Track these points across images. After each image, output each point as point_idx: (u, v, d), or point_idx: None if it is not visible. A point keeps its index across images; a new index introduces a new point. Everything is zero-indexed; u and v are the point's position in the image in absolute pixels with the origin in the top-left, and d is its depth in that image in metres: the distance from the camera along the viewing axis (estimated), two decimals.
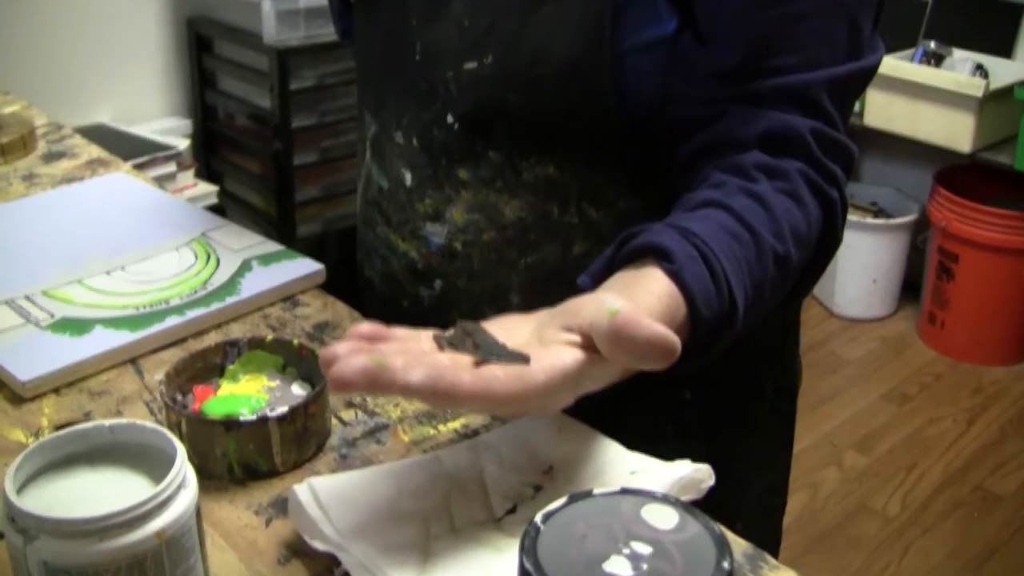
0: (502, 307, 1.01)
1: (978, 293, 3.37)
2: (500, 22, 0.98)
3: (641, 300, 0.74)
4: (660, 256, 0.78)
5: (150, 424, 0.72)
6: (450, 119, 1.02)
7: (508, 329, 0.74)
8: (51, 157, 1.54)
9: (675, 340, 0.67)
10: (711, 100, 0.92)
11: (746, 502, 1.17)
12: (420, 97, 1.04)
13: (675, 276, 0.77)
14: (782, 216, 0.85)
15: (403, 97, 1.06)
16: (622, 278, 0.78)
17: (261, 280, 1.14)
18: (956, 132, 3.18)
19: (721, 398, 1.13)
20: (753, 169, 0.88)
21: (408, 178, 1.07)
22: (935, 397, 3.27)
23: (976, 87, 3.08)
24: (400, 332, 0.72)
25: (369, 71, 1.16)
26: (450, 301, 1.08)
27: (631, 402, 0.97)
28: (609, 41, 0.93)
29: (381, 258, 1.14)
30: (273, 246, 1.23)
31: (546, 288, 1.01)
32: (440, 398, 0.65)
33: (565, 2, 0.94)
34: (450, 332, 0.72)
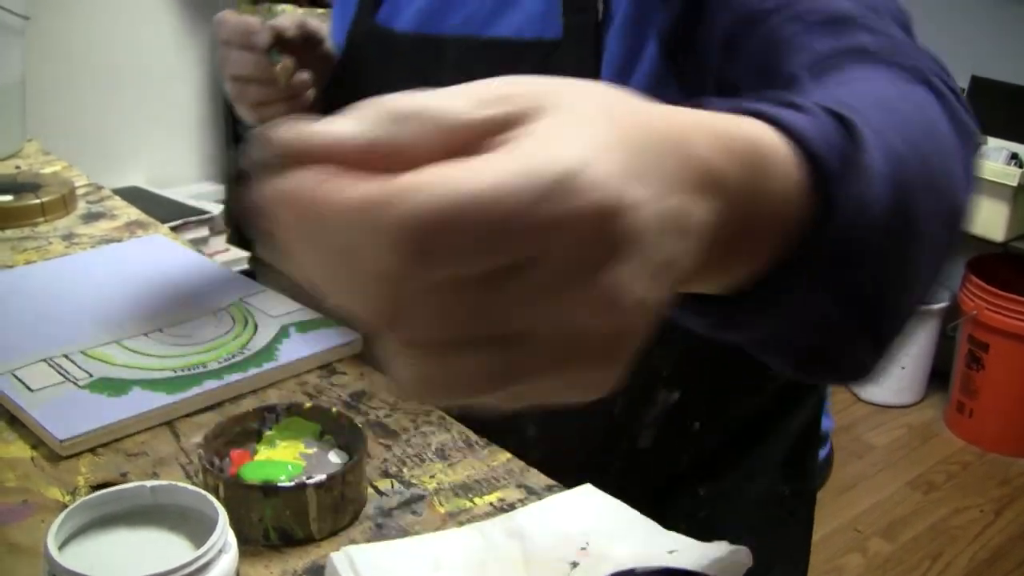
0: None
1: (1008, 383, 3.34)
2: None
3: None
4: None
5: (191, 487, 0.72)
6: None
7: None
8: (91, 217, 1.56)
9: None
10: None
11: None
12: None
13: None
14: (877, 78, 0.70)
15: None
16: None
17: (299, 347, 1.14)
18: (989, 221, 3.17)
19: (736, 499, 1.12)
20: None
21: None
22: (962, 487, 3.23)
23: (1011, 176, 3.08)
24: None
25: None
26: None
27: (643, 499, 0.95)
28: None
29: None
30: (311, 313, 1.23)
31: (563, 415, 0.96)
32: None
33: None
34: None
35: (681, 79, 0.93)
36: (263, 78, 1.11)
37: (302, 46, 1.16)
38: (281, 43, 1.11)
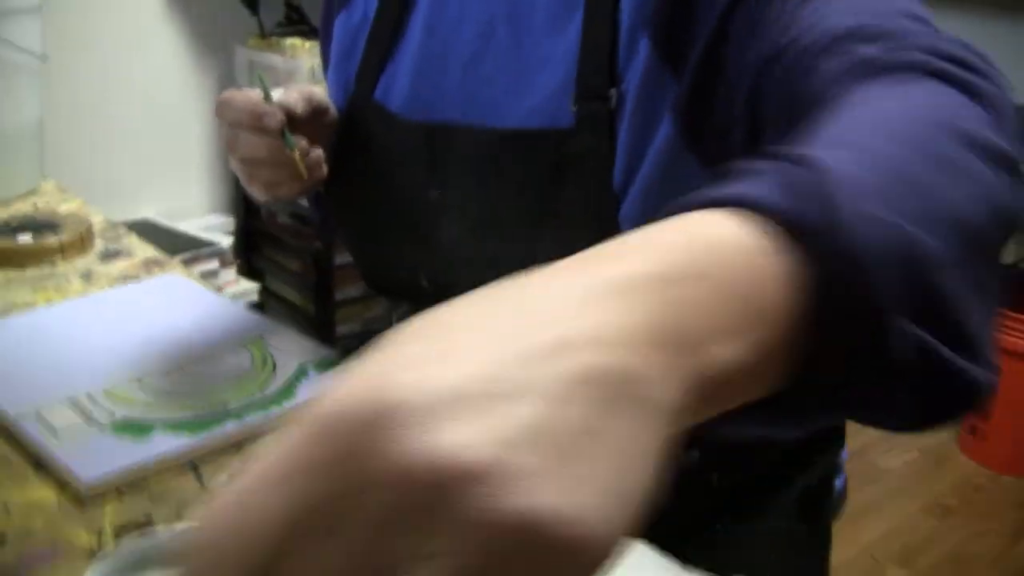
0: None
1: (1020, 405, 3.34)
2: (506, 252, 0.97)
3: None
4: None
5: None
6: None
7: None
8: (108, 256, 1.57)
9: None
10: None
11: None
12: None
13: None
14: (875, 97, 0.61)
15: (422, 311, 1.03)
16: None
17: (318, 386, 1.15)
18: None
19: (753, 536, 1.12)
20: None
21: None
22: (977, 511, 3.22)
23: None
24: None
25: (376, 280, 1.18)
26: None
27: (661, 537, 0.92)
28: None
29: None
30: (328, 352, 1.23)
31: None
32: None
33: (569, 227, 0.94)
34: None
35: (699, 148, 0.91)
36: (277, 160, 1.06)
37: (310, 119, 1.10)
38: (291, 120, 1.06)
